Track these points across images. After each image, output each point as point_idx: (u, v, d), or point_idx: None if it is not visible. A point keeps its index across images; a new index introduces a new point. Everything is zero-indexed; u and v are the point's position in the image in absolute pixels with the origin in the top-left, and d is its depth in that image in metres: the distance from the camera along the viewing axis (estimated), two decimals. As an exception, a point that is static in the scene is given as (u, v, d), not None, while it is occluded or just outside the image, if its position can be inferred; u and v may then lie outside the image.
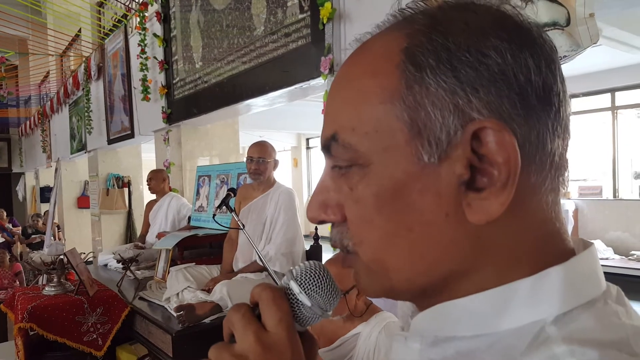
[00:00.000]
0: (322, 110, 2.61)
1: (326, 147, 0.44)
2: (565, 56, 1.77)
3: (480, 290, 0.40)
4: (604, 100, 7.01)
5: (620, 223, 6.62)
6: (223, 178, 3.77)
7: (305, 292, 0.47)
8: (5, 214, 10.53)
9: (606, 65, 6.42)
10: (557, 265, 0.39)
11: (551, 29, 1.79)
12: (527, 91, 0.37)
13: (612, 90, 6.92)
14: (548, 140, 0.39)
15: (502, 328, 0.39)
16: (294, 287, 0.47)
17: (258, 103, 3.69)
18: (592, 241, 0.44)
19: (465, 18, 0.39)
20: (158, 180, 4.39)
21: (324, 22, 2.69)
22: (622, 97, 6.95)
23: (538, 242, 0.40)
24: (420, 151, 0.38)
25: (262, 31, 3.34)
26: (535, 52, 0.38)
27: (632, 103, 6.95)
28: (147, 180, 4.47)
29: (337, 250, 0.45)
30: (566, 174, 0.42)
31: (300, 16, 2.98)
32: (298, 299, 0.47)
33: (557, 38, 1.76)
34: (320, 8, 2.70)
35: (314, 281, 0.47)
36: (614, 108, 7.01)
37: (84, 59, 7.24)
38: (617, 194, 7.02)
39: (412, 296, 0.45)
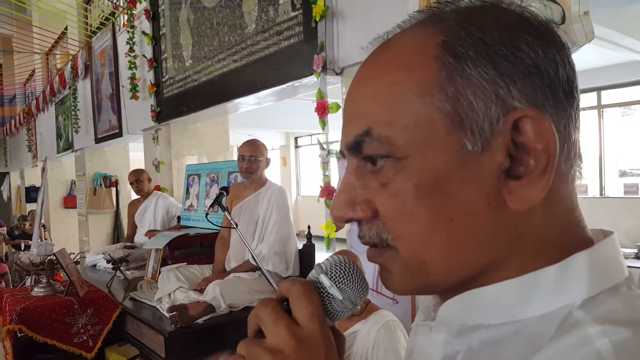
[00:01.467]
0: (316, 109, 2.60)
1: (357, 144, 0.43)
2: None
3: (509, 278, 0.41)
4: (590, 99, 7.09)
5: (607, 220, 6.70)
6: (213, 177, 3.74)
7: (336, 285, 0.46)
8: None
9: (592, 64, 6.49)
10: (583, 251, 0.40)
11: None
12: (556, 84, 0.39)
13: (598, 89, 6.99)
14: (572, 131, 0.41)
15: (529, 315, 0.39)
16: (325, 280, 0.46)
17: (247, 102, 3.66)
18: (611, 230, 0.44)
19: (496, 15, 0.41)
20: (144, 181, 4.34)
21: (317, 19, 2.68)
22: (607, 96, 7.03)
23: (564, 229, 0.42)
24: (464, 140, 0.39)
25: (254, 29, 3.32)
26: (559, 49, 0.41)
27: (617, 102, 7.03)
28: (131, 182, 4.37)
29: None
30: (582, 165, 0.43)
31: (293, 14, 2.96)
32: (329, 293, 0.46)
33: None
34: (312, 6, 2.68)
35: (345, 274, 0.47)
36: (600, 107, 7.09)
37: (70, 57, 7.15)
38: (603, 192, 7.11)
39: (445, 289, 0.45)
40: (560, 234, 0.41)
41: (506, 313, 0.40)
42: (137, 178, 4.34)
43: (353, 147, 0.44)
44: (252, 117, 7.15)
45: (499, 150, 0.39)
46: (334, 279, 0.47)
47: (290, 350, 0.42)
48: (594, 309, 0.37)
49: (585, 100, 7.21)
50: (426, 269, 0.42)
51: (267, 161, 2.90)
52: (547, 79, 0.39)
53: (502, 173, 0.39)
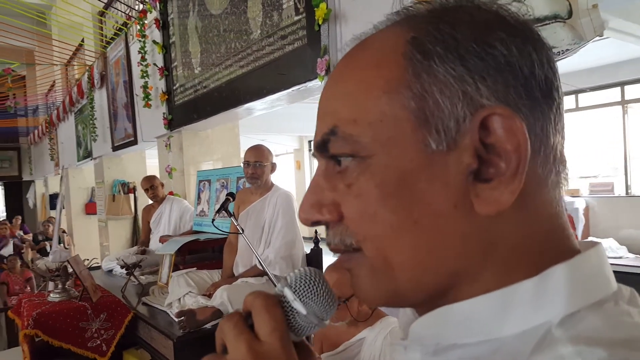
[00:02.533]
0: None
1: (323, 143, 0.42)
2: (567, 50, 1.74)
3: (485, 292, 0.38)
4: (614, 94, 6.90)
5: (634, 220, 6.48)
6: (223, 182, 3.79)
7: (300, 300, 0.45)
8: (20, 220, 10.67)
9: (614, 58, 6.29)
10: (562, 262, 0.37)
11: (552, 22, 1.75)
12: (532, 83, 0.38)
13: (622, 84, 6.80)
14: (551, 133, 0.39)
15: (506, 333, 0.37)
16: (288, 294, 0.45)
17: (257, 106, 3.70)
18: (604, 240, 0.42)
19: (470, 12, 0.40)
20: (158, 187, 4.42)
21: (320, 23, 2.69)
22: (632, 91, 6.83)
23: (544, 238, 0.39)
24: (428, 139, 0.38)
25: (259, 34, 3.35)
26: (537, 47, 0.39)
27: (642, 96, 6.84)
28: (145, 189, 4.43)
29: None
30: (566, 171, 0.41)
31: (296, 18, 2.99)
32: (292, 307, 0.44)
33: (559, 31, 1.72)
34: (315, 9, 2.70)
35: (310, 288, 0.45)
36: (623, 102, 6.90)
37: (87, 67, 7.31)
38: (629, 191, 6.88)
39: (416, 300, 0.42)
40: (540, 243, 0.39)
41: (482, 331, 0.38)
42: (151, 184, 4.40)
43: (321, 147, 0.43)
44: (264, 121, 7.19)
45: (467, 150, 0.37)
46: (297, 293, 0.45)
47: None
48: (573, 327, 0.35)
49: (609, 95, 7.02)
50: (392, 272, 0.40)
51: (273, 166, 2.92)
52: (521, 77, 0.37)
53: (470, 175, 0.37)
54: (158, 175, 4.82)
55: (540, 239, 0.39)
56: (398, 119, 0.39)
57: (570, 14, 1.71)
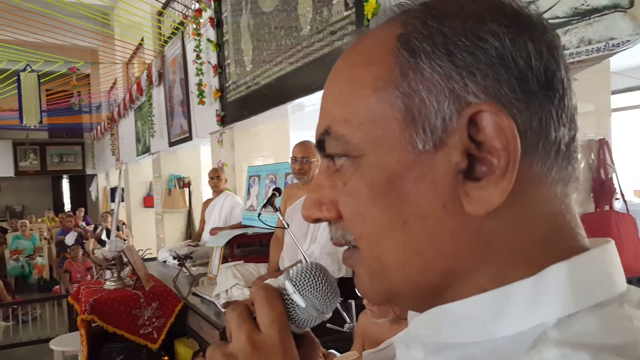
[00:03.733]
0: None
1: (320, 143, 0.43)
2: (628, 41, 1.66)
3: (481, 291, 0.38)
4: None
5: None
6: (272, 178, 3.84)
7: (299, 293, 0.46)
8: (83, 212, 11.29)
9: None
10: (561, 262, 0.36)
11: (611, 12, 1.68)
12: (528, 76, 0.36)
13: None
14: (552, 128, 0.37)
15: (501, 334, 0.36)
16: (288, 287, 0.46)
17: (306, 103, 3.73)
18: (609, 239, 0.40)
19: (461, 3, 0.38)
20: (222, 180, 4.56)
21: (369, 18, 2.67)
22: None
23: (544, 237, 0.38)
24: (415, 139, 0.37)
25: (308, 31, 3.37)
26: (535, 37, 0.37)
27: None
28: (211, 177, 4.57)
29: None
30: (577, 165, 0.40)
31: (345, 13, 2.98)
32: (292, 300, 0.46)
33: (618, 21, 1.65)
34: (364, 4, 2.69)
35: (309, 281, 0.46)
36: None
37: (146, 66, 7.61)
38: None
39: (413, 300, 0.43)
40: (539, 242, 0.38)
41: (478, 331, 0.37)
42: (217, 175, 4.54)
43: (319, 146, 0.43)
44: (314, 118, 7.22)
45: (455, 149, 0.36)
46: (297, 286, 0.46)
47: (245, 355, 0.42)
48: (568, 329, 0.34)
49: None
50: (386, 272, 0.41)
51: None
52: (515, 70, 0.36)
53: (460, 173, 0.37)
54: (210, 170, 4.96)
55: (539, 238, 0.38)
56: (387, 118, 0.38)
57: (631, 3, 1.63)
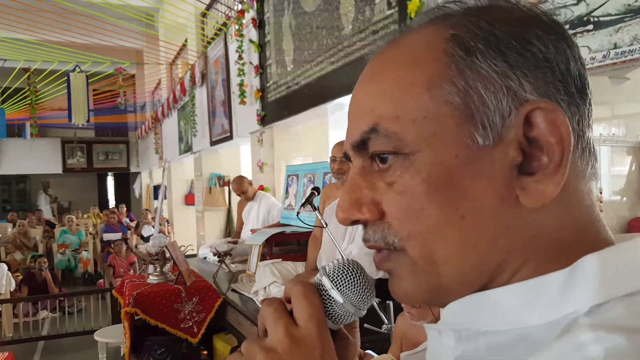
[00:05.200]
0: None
1: (363, 142, 0.42)
2: None
3: (522, 280, 0.39)
4: None
5: None
6: (310, 177, 3.86)
7: (337, 288, 0.46)
8: (125, 208, 11.65)
9: None
10: (593, 253, 0.37)
11: None
12: (568, 79, 0.39)
13: None
14: (586, 128, 0.40)
15: (533, 322, 0.37)
16: (326, 282, 0.46)
17: (346, 102, 3.71)
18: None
19: (506, 10, 0.41)
20: (248, 188, 4.64)
21: (412, 16, 2.65)
22: None
23: (581, 229, 0.40)
24: (475, 134, 0.38)
25: (350, 30, 3.37)
26: (570, 45, 0.40)
27: None
28: (236, 192, 4.68)
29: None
30: (597, 165, 0.42)
31: (388, 12, 2.97)
32: (330, 295, 0.46)
33: None
34: (408, 2, 2.67)
35: (347, 278, 0.46)
36: None
37: (189, 66, 7.78)
38: None
39: (459, 294, 0.42)
40: (577, 234, 0.39)
41: (510, 319, 0.38)
42: (243, 190, 4.63)
43: (359, 145, 0.43)
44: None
45: (511, 144, 0.38)
46: (335, 282, 0.46)
47: (284, 349, 0.42)
48: (599, 315, 0.35)
49: None
50: (437, 269, 0.40)
51: (359, 162, 2.92)
52: (558, 73, 0.38)
53: (515, 168, 0.38)
54: (250, 169, 5.02)
55: (577, 229, 0.40)
56: (442, 115, 0.39)
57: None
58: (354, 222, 0.43)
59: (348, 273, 0.46)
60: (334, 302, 0.46)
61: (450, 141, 0.39)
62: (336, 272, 0.46)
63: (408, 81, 0.40)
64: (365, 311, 0.47)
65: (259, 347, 0.43)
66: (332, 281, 0.46)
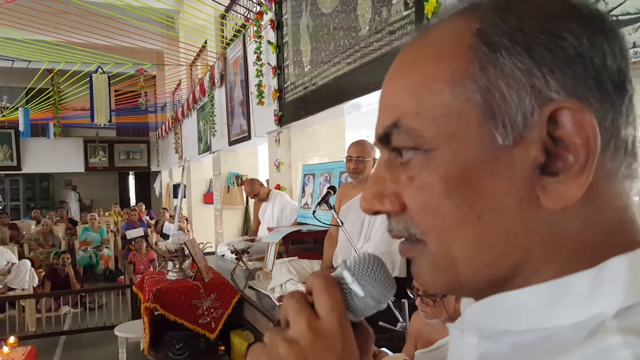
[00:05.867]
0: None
1: (385, 136, 0.43)
2: None
3: (545, 281, 0.38)
4: None
5: None
6: (326, 176, 3.89)
7: (358, 282, 0.46)
8: (144, 207, 11.81)
9: None
10: (622, 254, 0.37)
11: None
12: (603, 75, 0.37)
13: None
14: (622, 126, 0.38)
15: (558, 323, 0.37)
16: (347, 276, 0.47)
17: (363, 102, 3.74)
18: None
19: (538, 2, 0.39)
20: (260, 190, 4.76)
21: (429, 17, 2.66)
22: None
23: (611, 231, 0.39)
24: (494, 133, 0.37)
25: (367, 31, 3.39)
26: (609, 38, 0.38)
27: None
28: (249, 195, 4.81)
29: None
30: (637, 163, 0.40)
31: (405, 13, 2.98)
32: (351, 289, 0.46)
33: None
34: (425, 3, 2.67)
35: (367, 271, 0.47)
36: None
37: (209, 68, 7.87)
38: None
39: (477, 291, 0.43)
40: (606, 236, 0.38)
41: (535, 319, 0.38)
42: (255, 193, 4.77)
43: (383, 139, 0.43)
44: (370, 117, 7.22)
45: (534, 144, 0.37)
46: (356, 276, 0.47)
47: (306, 341, 0.42)
48: (628, 319, 0.34)
49: None
50: (455, 265, 0.41)
51: (375, 162, 2.94)
52: (592, 70, 0.37)
53: (537, 168, 0.37)
54: (267, 169, 5.08)
55: (606, 231, 0.38)
56: (463, 112, 0.38)
57: None
58: (376, 213, 0.45)
59: (369, 267, 0.47)
60: (354, 296, 0.46)
61: (470, 140, 0.38)
62: (357, 266, 0.47)
63: (431, 77, 0.40)
64: (386, 304, 0.48)
65: (282, 338, 0.43)
66: (353, 275, 0.47)
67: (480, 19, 0.39)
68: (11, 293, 6.31)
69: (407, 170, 0.42)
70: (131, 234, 9.35)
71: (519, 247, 0.39)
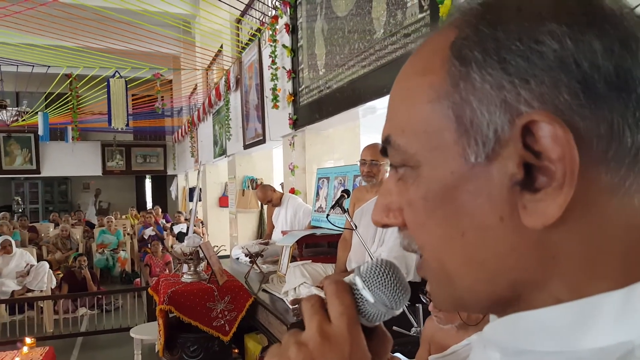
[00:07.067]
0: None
1: (384, 151, 0.43)
2: None
3: (556, 301, 0.36)
4: None
5: None
6: (340, 180, 3.88)
7: (368, 288, 0.47)
8: (160, 210, 11.93)
9: None
10: None
11: None
12: (594, 78, 0.33)
13: None
14: (627, 132, 0.34)
15: (583, 347, 0.35)
16: (358, 282, 0.48)
17: (378, 105, 3.73)
18: None
19: (519, 3, 0.36)
20: (272, 197, 4.78)
21: (444, 19, 2.64)
22: None
23: (626, 250, 0.36)
24: (467, 150, 0.36)
25: (382, 34, 3.38)
26: (605, 33, 0.34)
27: None
28: (262, 201, 4.85)
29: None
30: None
31: (420, 15, 2.96)
32: (362, 294, 0.47)
33: None
34: (440, 6, 2.66)
35: (378, 278, 0.48)
36: None
37: (224, 72, 7.93)
38: None
39: (482, 308, 0.42)
40: (621, 256, 0.35)
41: (559, 341, 0.36)
42: (268, 199, 4.80)
43: (383, 153, 0.44)
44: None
45: (510, 159, 0.35)
46: (366, 282, 0.47)
47: (314, 344, 0.43)
48: None
49: None
50: (452, 281, 0.41)
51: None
52: (577, 74, 0.33)
53: (516, 185, 0.35)
54: (281, 172, 5.09)
55: (620, 251, 0.35)
56: (441, 129, 0.38)
57: None
58: (385, 226, 0.45)
59: (380, 273, 0.48)
60: (365, 302, 0.47)
61: (447, 157, 0.38)
62: (369, 272, 0.48)
63: (414, 92, 0.40)
64: (401, 310, 0.49)
65: (294, 340, 0.44)
66: (364, 281, 0.47)
67: (456, 30, 0.38)
68: (30, 294, 6.40)
69: (403, 185, 0.42)
70: (148, 232, 9.57)
71: (511, 267, 0.37)
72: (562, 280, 0.36)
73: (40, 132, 10.50)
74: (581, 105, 0.33)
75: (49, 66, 8.31)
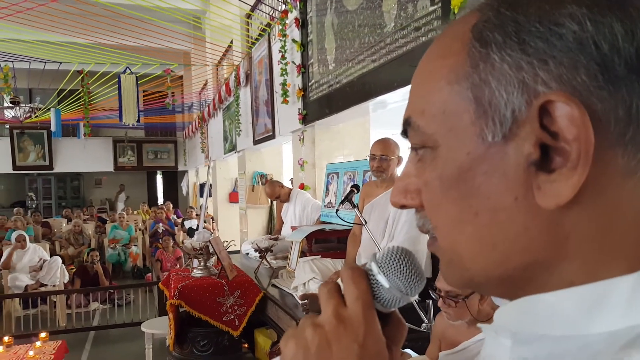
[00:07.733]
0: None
1: (404, 133, 0.45)
2: None
3: (569, 284, 0.36)
4: None
5: None
6: (350, 175, 3.86)
7: (383, 274, 0.48)
8: (171, 206, 12.00)
9: None
10: None
11: None
12: (613, 60, 0.34)
13: None
14: None
15: (594, 331, 0.35)
16: (374, 267, 0.49)
17: (388, 100, 3.70)
18: None
19: None
20: (280, 193, 4.78)
21: (455, 12, 2.61)
22: None
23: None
24: (485, 130, 0.37)
25: (392, 27, 3.35)
26: (627, 16, 0.34)
27: None
28: (270, 197, 4.85)
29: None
30: None
31: (431, 8, 2.93)
32: (377, 280, 0.48)
33: None
34: (451, -2, 2.63)
35: (394, 263, 0.48)
36: None
37: (234, 67, 7.93)
38: None
39: (494, 289, 0.43)
40: (636, 238, 0.36)
41: (569, 325, 0.36)
42: (276, 195, 4.80)
43: (404, 135, 0.45)
44: (395, 115, 7.16)
45: (527, 139, 0.35)
46: (382, 267, 0.48)
47: (330, 327, 0.44)
48: None
49: None
50: (463, 262, 0.41)
51: (399, 160, 2.90)
52: (597, 56, 0.33)
53: (532, 165, 0.35)
54: (291, 167, 5.08)
55: (635, 234, 0.36)
56: (459, 110, 0.39)
57: None
58: (403, 207, 0.46)
59: (395, 259, 0.49)
60: (380, 287, 0.48)
61: (464, 138, 0.38)
62: (384, 258, 0.49)
63: (434, 75, 0.41)
64: (416, 296, 0.50)
65: (310, 322, 0.46)
66: (379, 267, 0.48)
67: (478, 14, 0.39)
68: (43, 289, 6.48)
69: (422, 167, 0.43)
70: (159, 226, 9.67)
71: (523, 247, 0.37)
72: (575, 262, 0.36)
73: (52, 129, 10.61)
74: (599, 87, 0.34)
75: (61, 62, 8.37)
